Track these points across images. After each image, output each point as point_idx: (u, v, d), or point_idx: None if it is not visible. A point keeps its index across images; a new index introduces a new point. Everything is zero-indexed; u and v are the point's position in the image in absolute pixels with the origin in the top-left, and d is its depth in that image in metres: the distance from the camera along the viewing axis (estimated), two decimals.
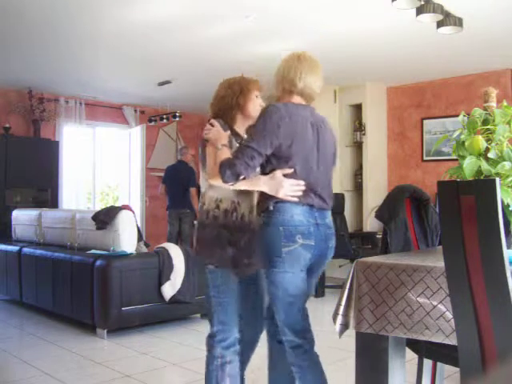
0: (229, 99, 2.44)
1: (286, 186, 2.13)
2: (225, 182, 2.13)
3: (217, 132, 2.30)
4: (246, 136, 2.36)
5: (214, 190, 2.30)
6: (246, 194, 2.34)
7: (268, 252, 2.16)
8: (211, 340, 2.38)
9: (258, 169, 2.22)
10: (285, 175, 2.15)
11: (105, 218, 4.52)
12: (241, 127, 2.48)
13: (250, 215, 2.35)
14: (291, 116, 2.19)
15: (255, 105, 2.47)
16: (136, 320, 4.37)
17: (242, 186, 2.20)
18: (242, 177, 2.11)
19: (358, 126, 7.40)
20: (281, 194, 2.13)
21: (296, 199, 2.15)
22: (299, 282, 2.17)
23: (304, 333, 2.23)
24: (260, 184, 2.19)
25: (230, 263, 2.30)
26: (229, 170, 2.09)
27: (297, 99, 2.29)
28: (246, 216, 2.35)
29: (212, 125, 2.34)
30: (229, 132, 2.35)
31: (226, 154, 2.19)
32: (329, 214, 2.30)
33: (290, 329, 2.20)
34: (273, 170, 2.18)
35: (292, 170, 2.16)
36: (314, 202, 2.20)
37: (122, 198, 9.12)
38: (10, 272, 5.44)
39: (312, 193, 2.20)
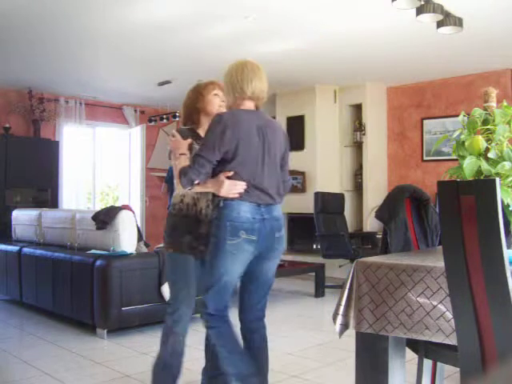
0: (189, 105, 2.84)
1: (226, 186, 2.41)
2: (183, 187, 2.51)
3: (176, 142, 2.62)
4: None
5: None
6: (204, 192, 2.70)
7: (215, 243, 2.46)
8: (166, 310, 2.86)
9: None
10: (229, 177, 2.42)
11: (105, 217, 4.52)
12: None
13: (206, 209, 2.74)
14: (236, 122, 2.44)
15: (214, 104, 2.81)
16: (136, 320, 4.37)
17: (197, 189, 2.55)
18: (196, 182, 2.43)
19: (358, 126, 7.41)
20: (222, 193, 2.42)
21: (237, 195, 2.42)
22: (233, 271, 2.47)
23: (223, 309, 2.52)
24: (208, 186, 2.51)
25: (187, 248, 2.72)
26: (184, 177, 2.42)
27: (247, 104, 2.53)
28: (203, 209, 2.75)
29: (174, 136, 2.67)
30: (189, 140, 2.65)
31: (183, 162, 2.51)
32: (277, 207, 2.55)
33: (214, 304, 2.51)
34: (220, 171, 2.45)
35: (232, 173, 2.43)
36: (259, 200, 2.46)
37: (122, 197, 9.11)
38: (10, 272, 5.44)
39: (258, 191, 2.46)
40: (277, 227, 2.53)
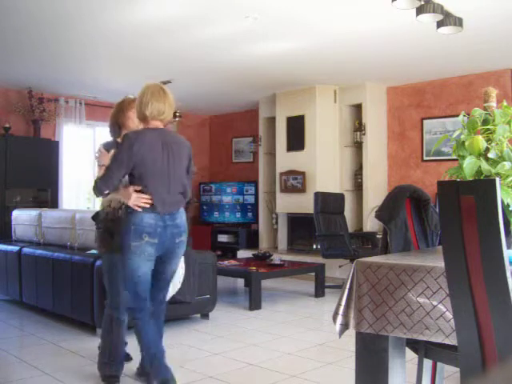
0: (112, 119, 3.29)
1: (133, 198, 2.83)
2: (96, 195, 2.99)
3: (100, 155, 3.11)
4: None
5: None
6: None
7: (122, 243, 2.86)
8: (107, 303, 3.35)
9: (127, 178, 2.91)
10: (140, 190, 2.82)
11: None
12: None
13: (119, 210, 3.15)
14: (140, 139, 2.80)
15: (133, 121, 3.18)
16: None
17: (110, 196, 3.03)
18: (105, 192, 2.85)
19: (358, 126, 7.41)
20: (130, 203, 2.83)
21: (140, 209, 2.80)
22: (143, 269, 2.86)
23: (140, 303, 2.92)
24: (119, 194, 2.93)
25: (117, 248, 3.05)
26: (96, 187, 2.85)
27: (153, 124, 2.89)
28: (116, 210, 3.15)
29: (100, 150, 3.17)
30: (112, 151, 3.01)
31: (101, 172, 2.90)
32: (179, 215, 2.93)
33: (132, 299, 2.94)
34: (132, 183, 2.86)
35: (140, 188, 2.84)
36: (163, 210, 2.83)
37: None
38: (10, 272, 5.44)
39: (164, 202, 2.83)
40: (177, 233, 2.93)
